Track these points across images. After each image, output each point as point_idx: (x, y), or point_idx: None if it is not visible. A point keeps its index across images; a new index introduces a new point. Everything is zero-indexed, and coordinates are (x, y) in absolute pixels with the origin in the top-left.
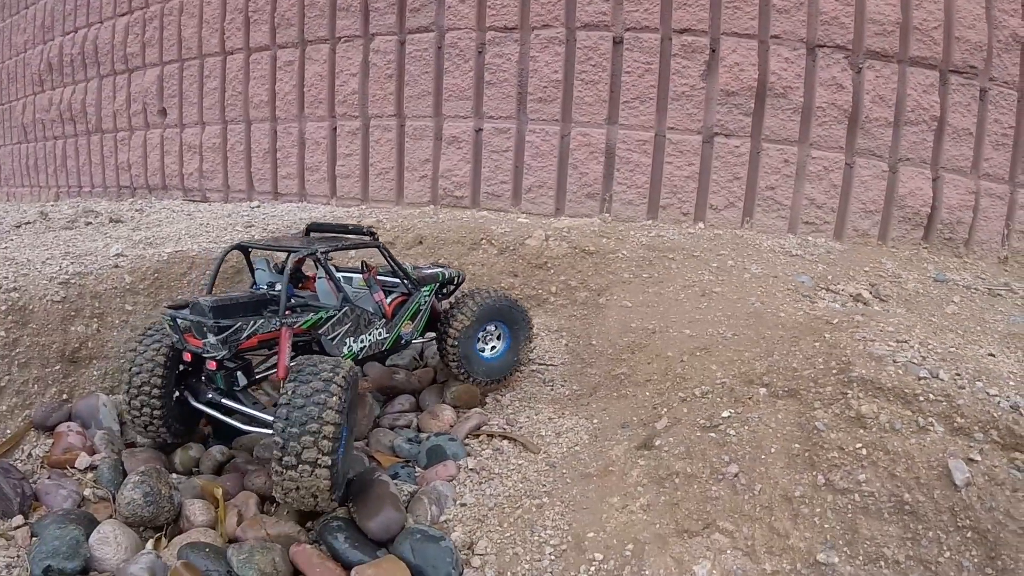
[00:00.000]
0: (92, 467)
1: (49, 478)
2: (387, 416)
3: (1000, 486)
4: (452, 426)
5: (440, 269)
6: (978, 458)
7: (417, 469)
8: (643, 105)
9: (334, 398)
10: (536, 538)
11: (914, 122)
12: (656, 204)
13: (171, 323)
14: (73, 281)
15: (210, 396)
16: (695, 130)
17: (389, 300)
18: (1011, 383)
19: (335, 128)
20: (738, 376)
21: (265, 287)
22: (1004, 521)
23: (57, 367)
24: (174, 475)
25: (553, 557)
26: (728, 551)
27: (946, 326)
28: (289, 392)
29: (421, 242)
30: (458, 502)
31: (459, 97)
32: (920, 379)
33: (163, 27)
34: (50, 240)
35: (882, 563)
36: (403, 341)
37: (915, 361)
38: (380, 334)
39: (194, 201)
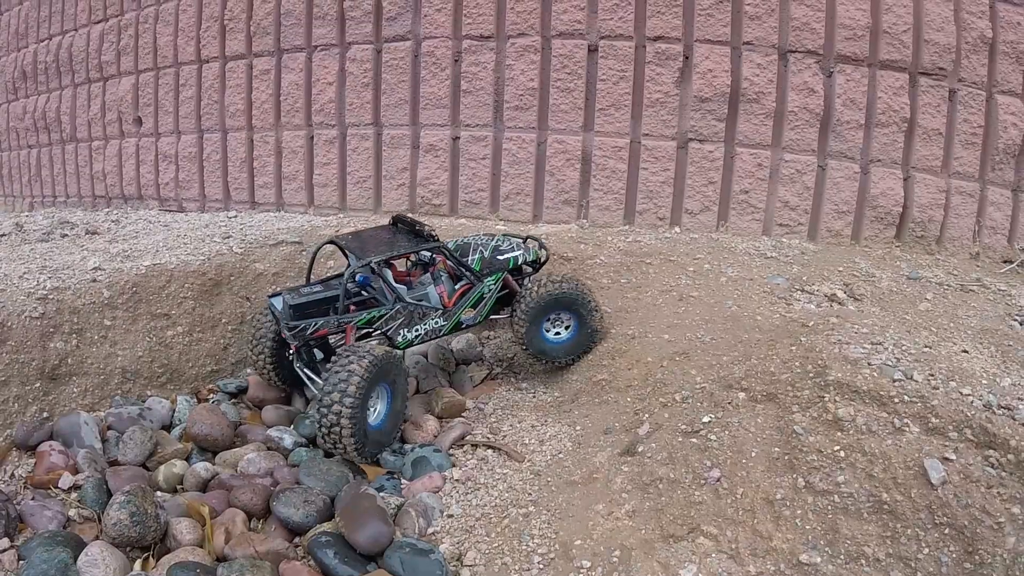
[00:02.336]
0: (76, 487)
1: (33, 499)
2: None
3: (975, 483)
4: (436, 436)
5: (517, 253)
6: (953, 457)
7: (403, 481)
8: (618, 112)
9: (355, 376)
10: (524, 547)
11: (885, 124)
12: (633, 210)
13: (271, 310)
14: (51, 296)
15: (298, 364)
16: (670, 136)
17: (458, 286)
18: (984, 381)
19: (312, 137)
20: (717, 381)
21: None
22: (980, 517)
23: (37, 385)
24: (159, 493)
25: (542, 566)
26: (713, 554)
27: (920, 324)
28: (332, 368)
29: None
30: (445, 513)
31: (436, 105)
32: (895, 381)
33: (138, 35)
34: (27, 253)
35: (863, 561)
36: (464, 326)
37: (890, 363)
38: (437, 322)
39: (170, 211)
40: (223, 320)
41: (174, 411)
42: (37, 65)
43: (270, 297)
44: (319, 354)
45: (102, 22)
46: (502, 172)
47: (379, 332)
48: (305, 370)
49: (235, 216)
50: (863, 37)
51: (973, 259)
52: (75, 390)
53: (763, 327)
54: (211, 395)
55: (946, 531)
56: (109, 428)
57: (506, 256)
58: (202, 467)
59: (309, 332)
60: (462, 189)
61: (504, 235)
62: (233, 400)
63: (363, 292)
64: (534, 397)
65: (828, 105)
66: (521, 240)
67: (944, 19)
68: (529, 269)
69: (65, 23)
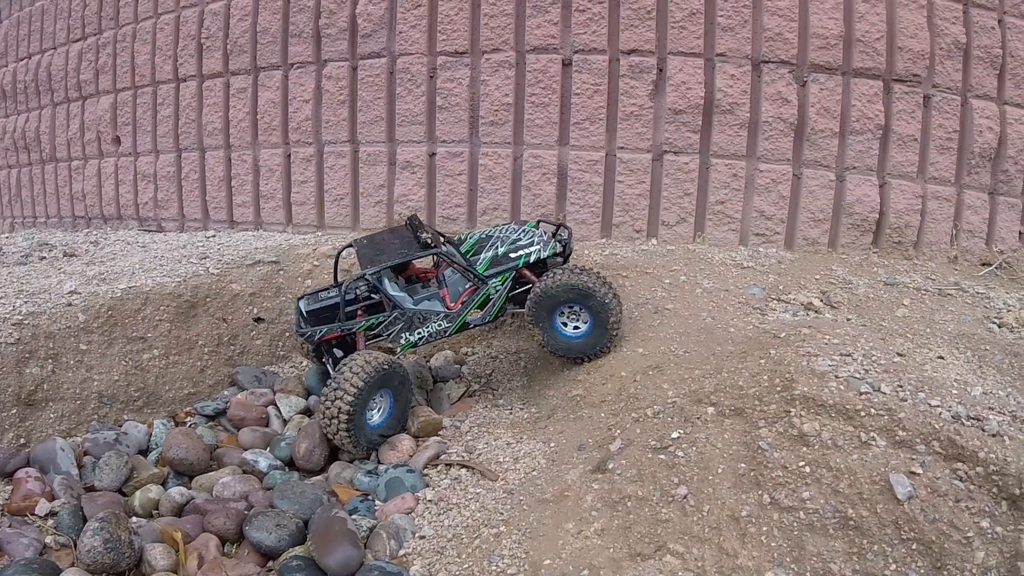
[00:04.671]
0: (52, 513)
1: (10, 526)
2: None
3: (943, 497)
4: (412, 456)
5: (531, 250)
6: (920, 471)
7: (376, 503)
8: (593, 125)
9: (354, 376)
10: (494, 568)
11: (859, 131)
12: (609, 222)
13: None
14: (27, 322)
15: (324, 359)
16: (645, 148)
17: (468, 286)
18: (954, 391)
19: (289, 155)
20: (688, 395)
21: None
22: (948, 531)
23: (13, 411)
24: (134, 519)
25: None
26: (679, 573)
27: (896, 330)
28: (337, 370)
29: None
30: (417, 535)
31: (412, 122)
32: (861, 394)
33: (116, 53)
34: (4, 277)
35: None
36: (472, 326)
37: (857, 375)
38: (441, 325)
39: (149, 231)
40: (199, 342)
41: (151, 435)
42: (16, 84)
43: (298, 299)
44: (339, 352)
45: (80, 40)
46: (479, 187)
47: (383, 337)
48: (328, 364)
49: (213, 236)
50: (836, 46)
51: (951, 263)
52: (51, 416)
53: (736, 339)
54: (188, 418)
55: (913, 547)
56: (86, 454)
57: (518, 254)
58: (177, 492)
59: (317, 338)
60: (439, 205)
61: (533, 224)
62: (211, 423)
63: (372, 296)
64: (511, 414)
65: (802, 114)
66: (553, 229)
67: (917, 26)
68: (560, 259)
69: (44, 42)
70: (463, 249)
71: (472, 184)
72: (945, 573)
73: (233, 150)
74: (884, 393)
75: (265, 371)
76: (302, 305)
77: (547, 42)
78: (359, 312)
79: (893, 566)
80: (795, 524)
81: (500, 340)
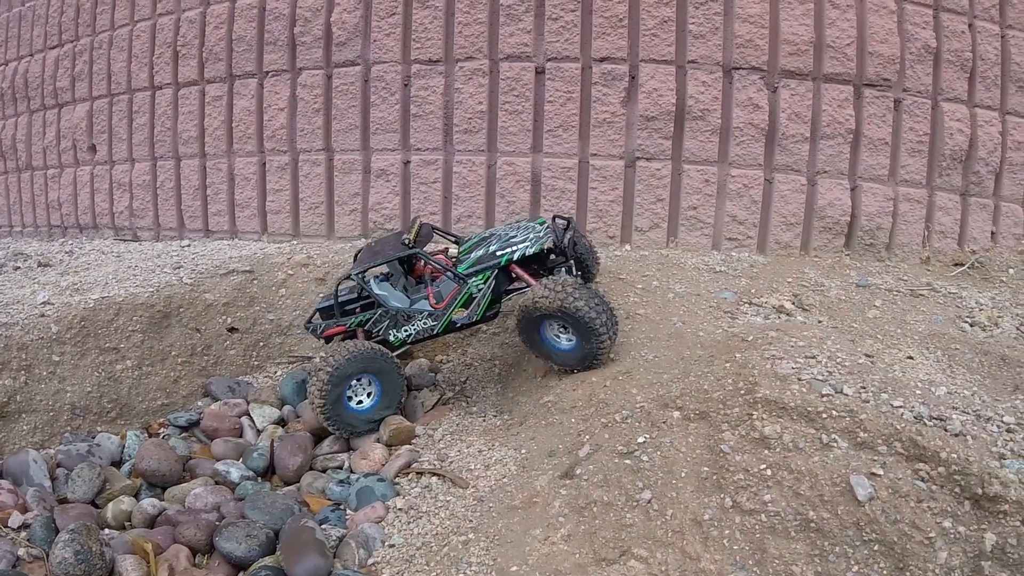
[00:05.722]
0: (25, 525)
1: None
2: (319, 458)
3: (904, 498)
4: (384, 465)
5: (514, 248)
6: (881, 472)
7: (348, 512)
8: (566, 133)
9: (327, 366)
10: (462, 575)
11: (830, 136)
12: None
13: None
14: (0, 333)
15: None
16: (618, 155)
17: (452, 288)
18: (917, 391)
19: (264, 163)
20: (655, 400)
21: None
22: (910, 532)
23: None
24: (107, 531)
25: None
26: None
27: (866, 331)
28: (320, 354)
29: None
30: (386, 543)
31: (386, 130)
32: (823, 396)
33: (92, 61)
34: None
35: None
36: (459, 325)
37: (820, 378)
38: (427, 323)
39: (125, 240)
40: (172, 352)
41: (124, 447)
42: None
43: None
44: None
45: (57, 47)
46: (453, 195)
47: (375, 332)
48: None
49: (188, 245)
50: (807, 52)
51: (923, 264)
52: (24, 428)
53: (705, 343)
54: (162, 429)
55: (875, 548)
56: (59, 465)
57: (503, 252)
58: (149, 503)
59: (319, 333)
60: (414, 213)
61: (535, 223)
62: (184, 434)
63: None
64: (484, 421)
65: (773, 120)
66: (564, 225)
67: (888, 31)
68: (561, 256)
69: (21, 48)
70: (462, 248)
71: (446, 192)
72: (908, 574)
73: (208, 158)
74: (846, 395)
75: (239, 381)
76: (317, 302)
77: (520, 50)
78: (356, 309)
79: (855, 567)
80: (757, 527)
81: (475, 347)
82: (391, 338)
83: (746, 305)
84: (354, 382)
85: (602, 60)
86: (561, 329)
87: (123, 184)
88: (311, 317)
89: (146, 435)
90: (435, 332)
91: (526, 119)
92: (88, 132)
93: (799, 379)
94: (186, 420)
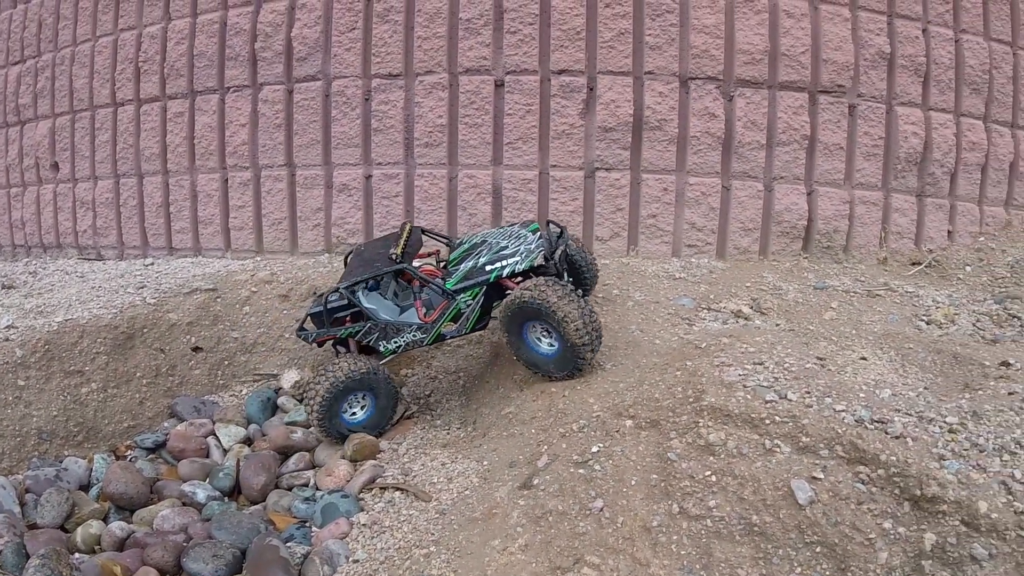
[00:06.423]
0: None
1: None
2: (285, 476)
3: (845, 500)
4: (348, 481)
5: (504, 263)
6: (821, 476)
7: (313, 529)
8: (526, 145)
9: (324, 379)
10: None
11: (786, 142)
12: None
13: None
14: None
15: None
16: (577, 166)
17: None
18: (861, 395)
19: (227, 180)
20: (610, 409)
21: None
22: (851, 534)
23: None
24: (76, 555)
25: None
26: None
27: (822, 333)
28: (316, 372)
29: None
30: (350, 559)
31: (348, 145)
32: (767, 402)
33: (55, 77)
34: None
35: None
36: (448, 337)
37: (765, 384)
38: (415, 335)
39: (89, 259)
40: (137, 374)
41: (91, 470)
42: None
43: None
44: (342, 350)
45: (20, 63)
46: (415, 209)
47: (365, 342)
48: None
49: (151, 264)
50: (762, 61)
51: (881, 264)
52: None
53: (660, 351)
54: (128, 451)
55: (817, 550)
56: (27, 491)
57: (493, 267)
58: (117, 527)
59: (311, 340)
60: (377, 227)
61: (527, 231)
62: (151, 455)
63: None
64: (448, 434)
65: (730, 128)
66: (556, 235)
67: (842, 38)
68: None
69: None
70: (452, 257)
71: (408, 205)
72: (849, 574)
73: (171, 175)
74: (790, 400)
75: (204, 401)
76: (308, 308)
77: (480, 64)
78: (347, 319)
79: (799, 569)
80: (703, 532)
81: (440, 360)
82: (381, 348)
83: (704, 311)
84: (350, 396)
85: (560, 72)
86: (544, 332)
87: (86, 202)
88: (303, 323)
89: (113, 458)
90: (424, 343)
91: (486, 132)
92: (51, 150)
93: (744, 386)
94: (152, 442)
